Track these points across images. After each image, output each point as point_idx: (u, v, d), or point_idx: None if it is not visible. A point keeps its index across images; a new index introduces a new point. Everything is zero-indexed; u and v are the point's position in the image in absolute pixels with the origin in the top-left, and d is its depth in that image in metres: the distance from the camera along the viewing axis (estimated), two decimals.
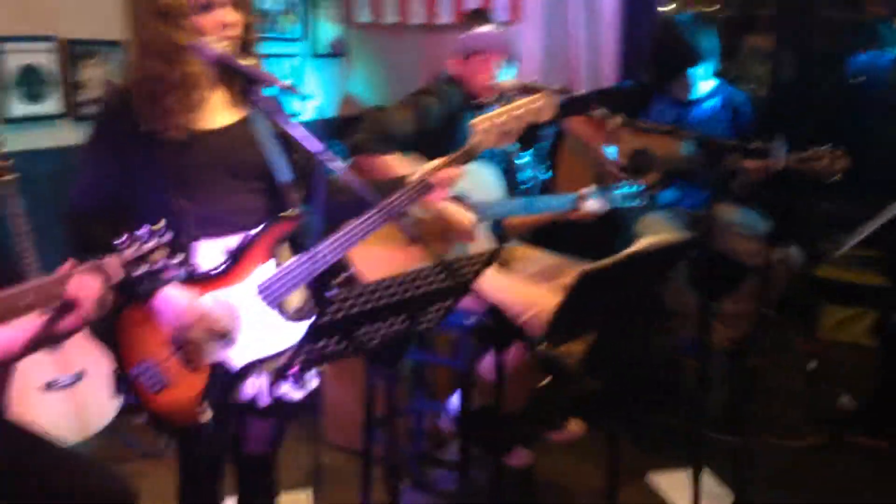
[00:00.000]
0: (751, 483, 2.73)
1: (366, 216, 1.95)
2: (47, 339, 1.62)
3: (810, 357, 3.38)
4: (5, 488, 1.66)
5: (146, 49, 1.88)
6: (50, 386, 2.80)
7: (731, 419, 3.35)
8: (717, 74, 3.38)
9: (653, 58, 3.38)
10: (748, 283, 3.19)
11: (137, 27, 1.89)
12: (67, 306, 1.50)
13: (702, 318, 2.43)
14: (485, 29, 2.91)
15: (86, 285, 1.51)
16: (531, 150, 3.43)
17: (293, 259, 1.94)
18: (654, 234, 3.12)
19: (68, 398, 2.86)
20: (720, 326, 3.26)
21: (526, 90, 2.58)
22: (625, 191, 2.81)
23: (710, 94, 3.33)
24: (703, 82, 3.31)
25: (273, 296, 1.90)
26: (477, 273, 1.87)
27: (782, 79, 4.17)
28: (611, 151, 3.31)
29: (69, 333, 1.56)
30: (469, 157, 2.15)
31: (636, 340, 3.36)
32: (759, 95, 5.06)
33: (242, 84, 1.93)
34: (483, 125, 2.17)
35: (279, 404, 1.96)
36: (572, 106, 3.51)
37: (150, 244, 1.56)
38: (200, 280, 1.87)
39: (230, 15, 1.88)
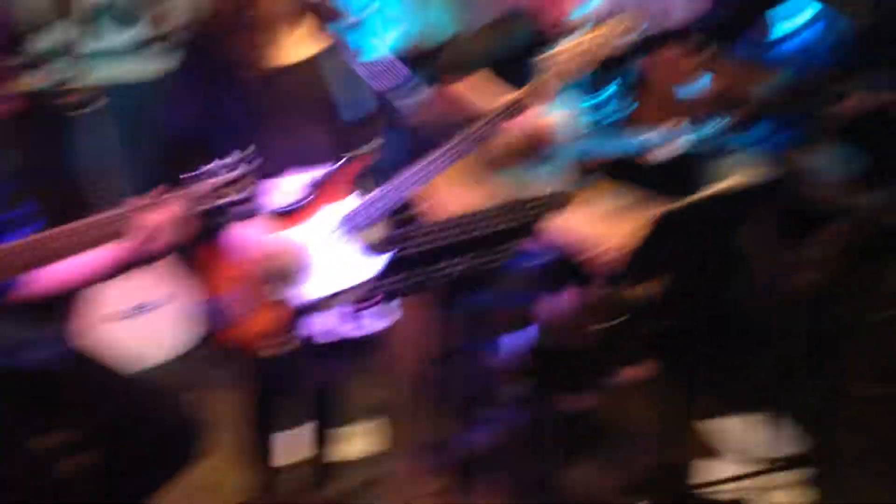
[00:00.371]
0: (832, 430, 2.67)
1: (447, 146, 1.94)
2: (133, 264, 1.68)
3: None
4: (75, 416, 1.74)
5: None
6: (128, 315, 2.91)
7: (813, 365, 3.27)
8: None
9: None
10: (834, 227, 3.07)
11: None
12: (151, 233, 1.54)
13: (784, 262, 2.36)
14: None
15: (165, 214, 1.55)
16: (614, 84, 3.34)
17: (373, 192, 1.95)
18: (737, 174, 3.03)
19: (150, 323, 2.97)
20: (803, 271, 3.16)
21: (605, 20, 2.50)
22: (709, 128, 2.71)
23: (807, 24, 3.16)
24: (797, 15, 3.14)
25: (352, 228, 1.92)
26: (545, 213, 1.85)
27: (884, 6, 3.91)
28: (702, 83, 3.19)
29: (155, 258, 1.61)
30: (542, 92, 2.11)
31: (713, 283, 3.29)
32: (863, 23, 4.77)
33: (318, 20, 1.92)
34: (562, 55, 2.11)
35: (351, 338, 2.00)
36: (658, 39, 3.39)
37: (238, 171, 1.59)
38: (279, 215, 1.90)
39: None
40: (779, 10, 3.11)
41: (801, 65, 3.08)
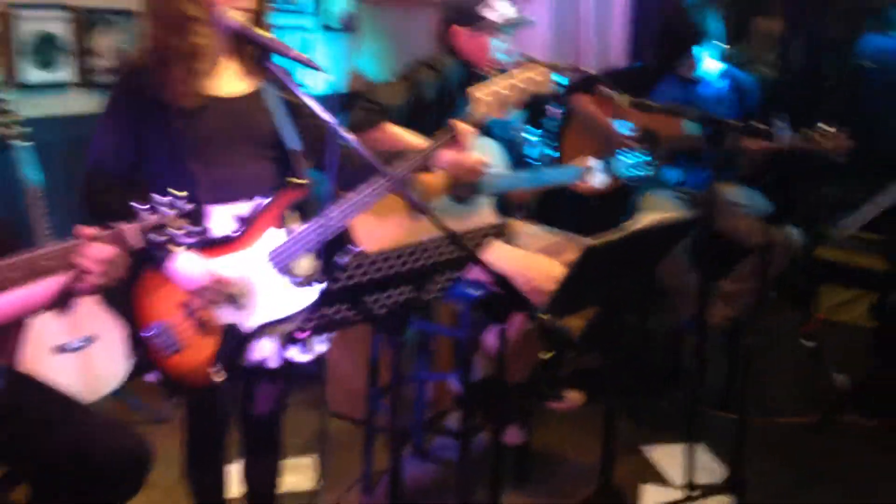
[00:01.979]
0: (745, 459, 2.78)
1: (375, 182, 1.99)
2: (62, 301, 1.67)
3: (808, 337, 3.42)
4: (29, 441, 1.71)
5: (157, 20, 1.92)
6: (61, 349, 2.85)
7: (728, 396, 3.41)
8: (726, 58, 3.40)
9: (659, 37, 3.40)
10: (748, 262, 3.23)
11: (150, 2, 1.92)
12: (85, 271, 1.54)
13: (701, 296, 2.47)
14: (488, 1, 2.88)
15: (102, 251, 1.55)
16: (540, 129, 3.46)
17: (303, 225, 1.99)
18: (657, 212, 3.17)
19: (78, 361, 2.91)
20: (719, 305, 3.31)
21: (528, 63, 2.61)
22: (631, 159, 2.82)
23: (719, 77, 3.36)
24: (709, 61, 3.33)
25: (283, 261, 1.95)
26: (482, 244, 1.92)
27: (791, 62, 4.18)
28: (622, 125, 3.34)
29: (93, 292, 1.61)
30: (473, 124, 2.19)
31: (636, 316, 3.41)
32: (768, 78, 5.07)
33: (256, 54, 1.97)
34: (485, 95, 2.20)
35: (287, 367, 2.02)
36: (581, 85, 3.54)
37: (173, 212, 1.60)
38: (213, 245, 1.92)
39: None
40: (693, 54, 3.30)
41: (714, 109, 3.27)
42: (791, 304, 3.88)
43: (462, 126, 2.17)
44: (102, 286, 1.58)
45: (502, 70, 2.70)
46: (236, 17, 1.89)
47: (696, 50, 3.26)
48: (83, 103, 3.34)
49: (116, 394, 3.05)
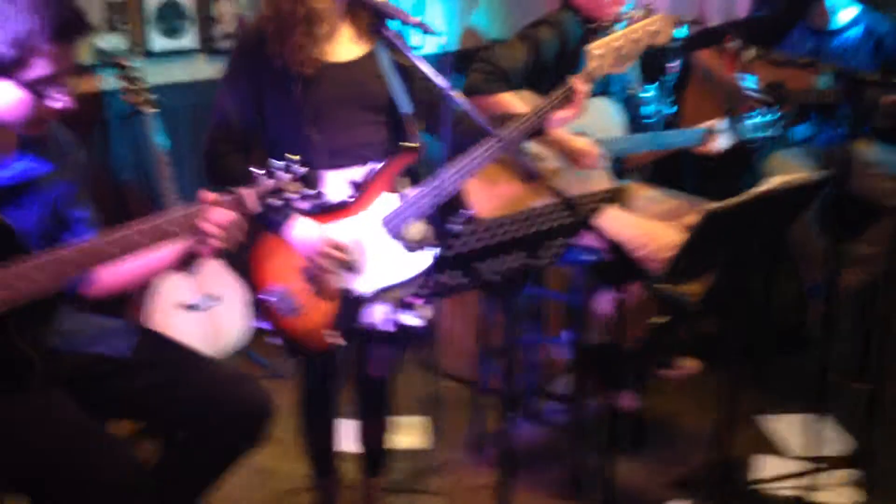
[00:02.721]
0: (875, 431, 2.65)
1: (487, 144, 1.97)
2: (186, 264, 1.74)
3: None
4: (160, 396, 1.80)
5: None
6: (188, 307, 2.99)
7: (859, 365, 3.24)
8: (860, 1, 3.17)
9: None
10: (883, 224, 3.04)
11: None
12: (206, 235, 1.60)
13: (832, 260, 2.34)
14: None
15: (223, 216, 1.60)
16: (656, 84, 3.33)
17: (416, 189, 1.99)
18: (784, 172, 3.00)
19: (204, 320, 3.05)
20: (851, 269, 3.13)
21: (646, 14, 2.51)
22: (757, 120, 2.68)
23: (852, 23, 3.13)
24: (843, 10, 3.11)
25: (396, 226, 1.97)
26: (596, 210, 1.87)
27: None
28: (749, 80, 3.17)
29: (217, 256, 1.66)
30: (589, 81, 2.13)
31: (760, 281, 3.27)
32: None
33: (369, 18, 1.97)
34: (598, 49, 2.13)
35: (400, 331, 2.04)
36: (704, 38, 3.38)
37: (288, 176, 1.63)
38: (329, 210, 1.95)
39: None
40: (825, 2, 3.08)
41: (846, 62, 3.05)
42: None
43: (576, 83, 2.11)
44: (223, 249, 1.63)
45: (620, 23, 2.60)
46: None
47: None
48: (207, 70, 3.44)
49: (240, 351, 3.19)
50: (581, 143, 2.52)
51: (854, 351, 3.26)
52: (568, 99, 2.11)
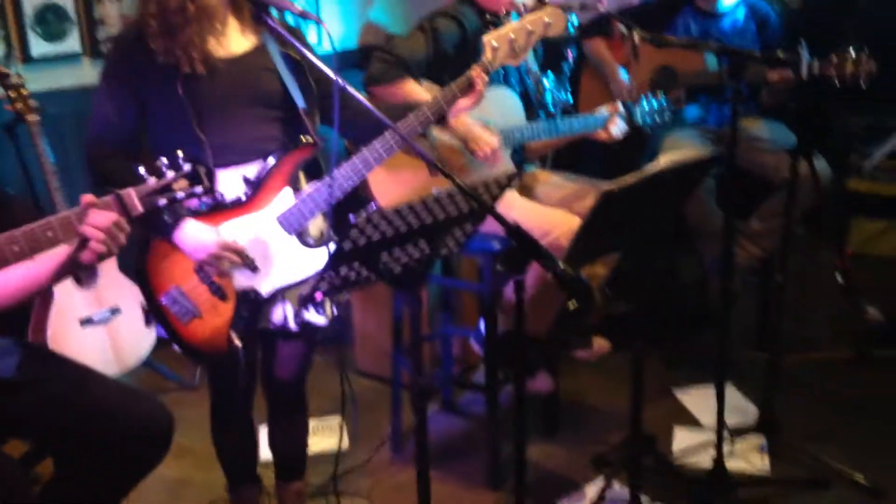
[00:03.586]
0: (777, 399, 2.75)
1: (383, 138, 1.95)
2: (69, 271, 1.65)
3: (841, 272, 3.35)
4: (49, 414, 1.72)
5: None
6: (85, 322, 2.87)
7: (759, 336, 3.36)
8: None
9: None
10: (775, 198, 3.15)
11: None
12: (87, 239, 1.52)
13: (727, 235, 2.41)
14: None
15: (103, 218, 1.52)
16: (553, 74, 3.38)
17: (311, 186, 1.95)
18: (678, 152, 3.09)
19: (104, 334, 2.93)
20: (747, 244, 3.24)
21: (540, 5, 2.54)
22: (650, 105, 2.75)
23: (735, 6, 3.24)
24: None
25: (293, 223, 1.93)
26: (497, 197, 1.87)
27: None
28: (623, 73, 3.27)
29: (90, 265, 1.59)
30: (484, 71, 2.14)
31: (662, 260, 3.35)
32: (792, 6, 4.90)
33: (253, 10, 1.92)
34: (494, 41, 2.15)
35: (306, 330, 2.00)
36: (595, 25, 3.44)
37: (173, 174, 1.57)
38: (223, 208, 1.89)
39: None
40: None
41: (734, 42, 3.15)
42: (822, 238, 3.79)
43: (477, 72, 2.11)
44: (107, 254, 1.56)
45: (518, 14, 2.63)
46: None
47: None
48: (92, 74, 3.31)
49: (146, 363, 3.08)
50: (481, 130, 2.53)
51: (756, 322, 3.39)
52: (468, 88, 2.10)
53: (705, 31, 3.22)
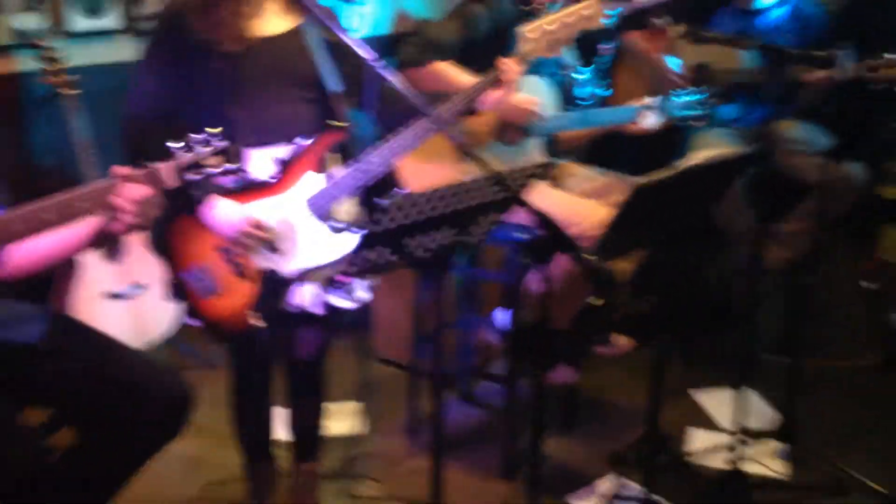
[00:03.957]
0: (798, 404, 2.72)
1: (417, 124, 1.94)
2: (99, 242, 1.67)
3: (868, 278, 3.30)
4: (72, 382, 1.74)
5: None
6: (112, 296, 2.90)
7: (785, 340, 3.32)
8: None
9: None
10: (808, 201, 3.10)
11: None
12: (119, 211, 1.54)
13: (757, 236, 2.38)
14: None
15: (137, 191, 1.54)
16: (591, 67, 3.35)
17: (342, 169, 1.96)
18: (711, 150, 3.05)
19: (129, 309, 2.96)
20: (777, 246, 3.20)
21: None
22: (685, 98, 2.72)
23: (777, 3, 3.19)
24: None
25: (322, 207, 1.93)
26: (527, 185, 1.86)
27: None
28: (674, 62, 3.21)
29: (120, 236, 1.60)
30: (520, 64, 2.12)
31: (689, 259, 3.32)
32: (835, 7, 4.81)
33: None
34: (532, 32, 2.13)
35: (328, 313, 2.01)
36: (633, 18, 3.40)
37: (207, 150, 1.58)
38: (251, 189, 1.90)
39: None
40: None
41: (774, 40, 3.11)
42: (852, 244, 3.73)
43: (508, 65, 2.10)
44: (137, 226, 1.57)
45: (555, 5, 2.61)
46: None
47: None
48: (131, 51, 3.34)
49: (168, 340, 3.11)
50: (518, 97, 2.51)
51: (781, 326, 3.35)
52: (498, 82, 2.09)
53: (745, 27, 3.18)
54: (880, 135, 3.52)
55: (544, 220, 1.66)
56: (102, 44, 3.29)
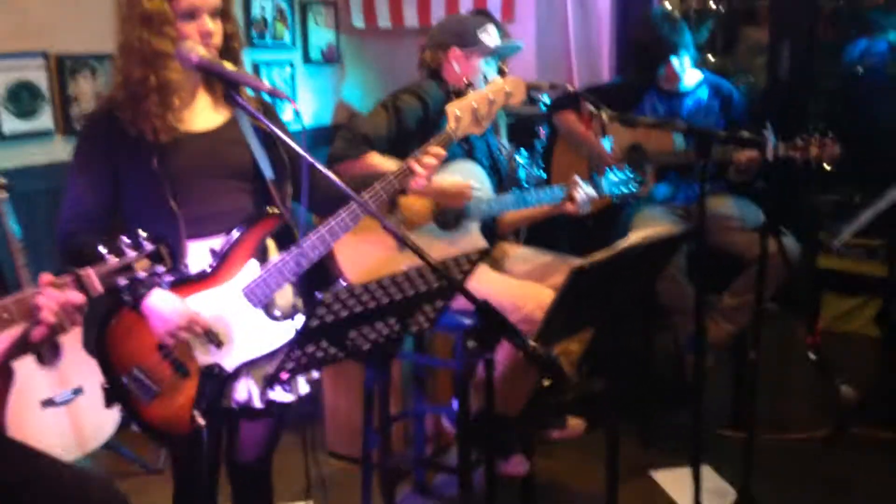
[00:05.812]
0: (754, 478, 2.70)
1: (348, 208, 1.95)
2: (23, 349, 1.61)
3: (814, 350, 3.35)
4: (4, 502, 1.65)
5: (129, 54, 1.89)
6: (48, 403, 2.79)
7: (735, 414, 3.33)
8: (717, 69, 3.37)
9: (634, 53, 3.38)
10: (746, 275, 3.17)
11: (122, 33, 1.90)
12: (41, 320, 1.49)
13: (698, 312, 2.40)
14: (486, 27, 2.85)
15: (60, 298, 1.49)
16: (527, 149, 3.42)
17: (278, 256, 1.94)
18: (649, 229, 3.11)
19: (67, 415, 2.84)
20: (719, 321, 3.24)
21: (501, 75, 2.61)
22: (620, 177, 2.78)
23: (698, 86, 3.33)
24: (689, 73, 3.30)
25: (258, 296, 1.90)
26: (468, 273, 1.86)
27: (780, 69, 4.15)
28: (606, 142, 3.30)
29: (43, 342, 1.55)
30: (446, 143, 2.16)
31: (635, 337, 3.33)
32: (758, 86, 5.03)
33: (225, 87, 1.93)
34: (457, 110, 2.18)
35: (272, 408, 1.95)
36: (564, 102, 3.50)
37: (135, 253, 1.55)
38: (187, 282, 1.87)
39: (211, 23, 1.89)
40: (671, 66, 3.26)
41: (698, 120, 3.22)
42: (795, 315, 3.80)
43: (419, 161, 2.12)
44: (59, 331, 1.52)
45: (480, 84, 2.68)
46: (202, 51, 1.86)
47: (674, 62, 3.22)
48: (64, 151, 3.30)
49: (109, 445, 2.98)
50: (450, 181, 2.53)
51: (731, 400, 3.36)
52: (410, 174, 2.11)
53: (671, 110, 3.29)
54: (811, 205, 3.64)
55: (485, 309, 1.64)
56: (34, 145, 3.25)
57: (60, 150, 3.31)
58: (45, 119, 3.24)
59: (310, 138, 4.39)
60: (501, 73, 2.62)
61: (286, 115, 2.45)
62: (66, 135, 3.34)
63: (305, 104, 4.37)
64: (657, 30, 3.20)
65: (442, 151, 2.14)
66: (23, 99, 3.16)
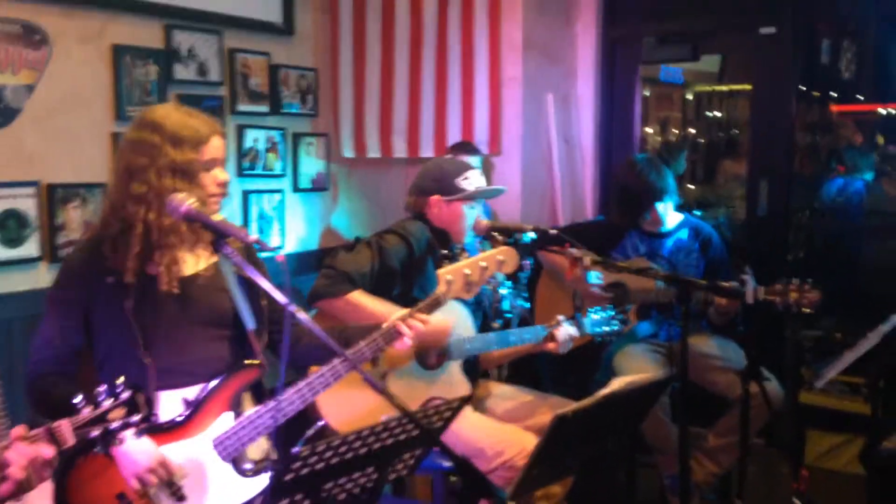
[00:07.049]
0: None
1: (329, 366, 1.94)
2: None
3: (799, 494, 3.29)
4: None
5: (114, 201, 1.91)
6: None
7: None
8: (697, 198, 3.44)
9: (618, 199, 3.45)
10: (729, 415, 3.15)
11: (135, 177, 1.92)
12: (8, 475, 1.45)
13: (682, 453, 2.38)
14: (469, 161, 2.92)
15: (30, 453, 1.46)
16: (510, 283, 3.44)
17: (253, 410, 1.91)
18: (631, 368, 3.10)
19: None
20: (705, 460, 3.19)
21: (497, 232, 2.65)
22: (602, 315, 2.79)
23: (678, 227, 3.40)
24: (670, 215, 3.37)
25: (229, 449, 1.86)
26: (450, 420, 1.84)
27: (758, 202, 4.25)
28: (592, 276, 3.33)
29: (8, 497, 1.50)
30: (435, 307, 2.19)
31: (619, 479, 3.27)
32: (737, 219, 5.15)
33: (209, 236, 1.96)
34: (448, 275, 2.22)
35: None
36: (548, 240, 3.55)
37: (109, 403, 1.53)
38: (159, 431, 1.83)
39: (223, 174, 1.94)
40: (655, 210, 3.33)
41: (679, 260, 3.28)
42: (780, 450, 3.75)
43: (407, 324, 2.16)
44: (26, 487, 1.48)
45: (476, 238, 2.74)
46: (187, 200, 1.88)
47: (659, 208, 3.29)
48: (49, 277, 3.29)
49: None
50: (434, 322, 2.53)
51: None
52: (395, 336, 2.14)
53: (652, 249, 3.35)
54: (793, 343, 3.65)
55: (464, 466, 1.62)
56: (19, 271, 3.25)
57: (44, 277, 3.30)
58: (30, 247, 3.24)
59: (297, 263, 4.45)
60: (494, 242, 2.68)
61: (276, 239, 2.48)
62: (52, 262, 3.34)
63: (293, 230, 4.42)
64: (643, 176, 3.28)
65: (429, 319, 2.16)
66: (9, 227, 3.18)
